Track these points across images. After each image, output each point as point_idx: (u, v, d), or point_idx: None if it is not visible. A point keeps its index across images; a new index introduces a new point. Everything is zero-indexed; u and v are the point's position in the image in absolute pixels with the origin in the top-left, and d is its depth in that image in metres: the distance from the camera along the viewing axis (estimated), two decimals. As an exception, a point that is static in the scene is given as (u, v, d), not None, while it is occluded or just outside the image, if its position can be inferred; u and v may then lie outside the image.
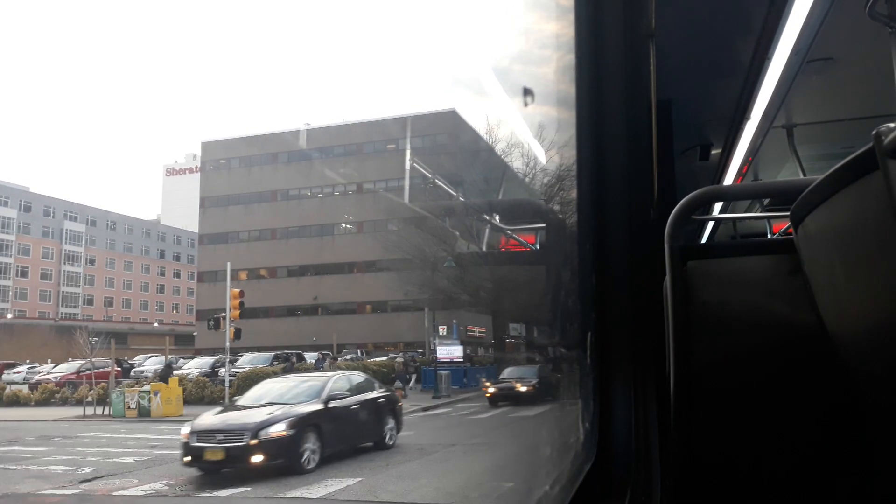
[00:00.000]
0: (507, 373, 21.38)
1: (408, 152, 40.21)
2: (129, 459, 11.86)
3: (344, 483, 9.28)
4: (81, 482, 9.95)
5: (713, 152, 4.54)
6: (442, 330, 31.04)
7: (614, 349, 1.85)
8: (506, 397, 19.13)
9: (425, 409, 20.03)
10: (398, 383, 20.97)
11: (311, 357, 30.35)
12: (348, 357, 26.52)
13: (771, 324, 1.29)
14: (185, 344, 50.69)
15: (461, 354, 27.58)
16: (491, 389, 20.53)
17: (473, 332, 34.85)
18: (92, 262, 76.68)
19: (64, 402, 23.99)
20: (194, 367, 28.61)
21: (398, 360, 28.85)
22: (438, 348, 27.43)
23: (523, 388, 18.59)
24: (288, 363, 28.27)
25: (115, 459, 11.89)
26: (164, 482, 9.88)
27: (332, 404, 11.77)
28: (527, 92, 3.42)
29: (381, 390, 14.12)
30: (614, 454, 1.77)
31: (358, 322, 45.63)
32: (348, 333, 40.91)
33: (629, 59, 1.99)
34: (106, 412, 20.44)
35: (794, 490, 1.33)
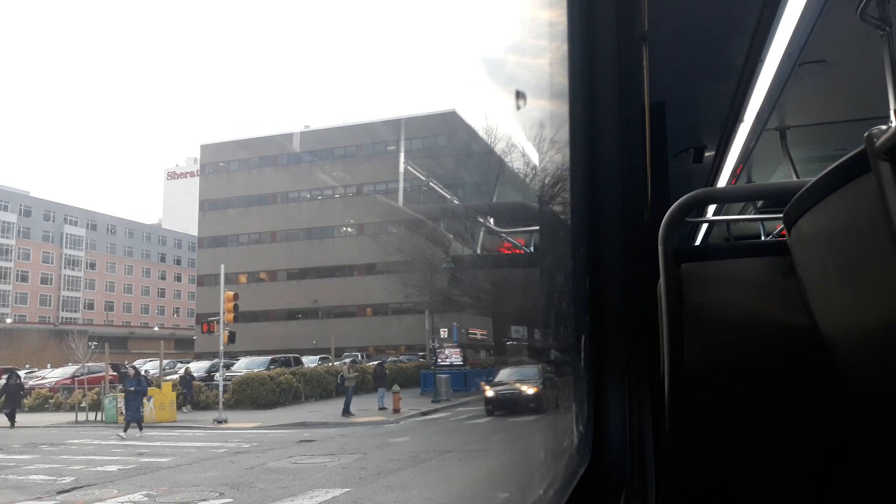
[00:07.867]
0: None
1: (401, 155, 40.17)
2: (113, 468, 11.54)
3: (331, 494, 9.02)
4: (59, 493, 9.64)
5: (706, 155, 4.54)
6: (443, 333, 30.90)
7: (608, 352, 1.85)
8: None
9: (424, 414, 19.96)
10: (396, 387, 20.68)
11: (310, 362, 29.75)
12: (347, 360, 26.09)
13: (764, 326, 1.30)
14: (185, 348, 50.62)
15: (461, 358, 27.45)
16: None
17: (475, 334, 34.77)
18: (92, 266, 76.57)
19: (58, 407, 23.64)
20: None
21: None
22: (438, 351, 27.33)
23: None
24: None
25: (98, 468, 11.58)
26: (144, 493, 9.49)
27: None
28: (519, 95, 3.42)
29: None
30: (608, 457, 1.76)
31: (358, 325, 45.57)
32: (348, 336, 40.81)
33: (622, 62, 2.00)
34: (99, 418, 20.25)
35: (788, 491, 1.33)
